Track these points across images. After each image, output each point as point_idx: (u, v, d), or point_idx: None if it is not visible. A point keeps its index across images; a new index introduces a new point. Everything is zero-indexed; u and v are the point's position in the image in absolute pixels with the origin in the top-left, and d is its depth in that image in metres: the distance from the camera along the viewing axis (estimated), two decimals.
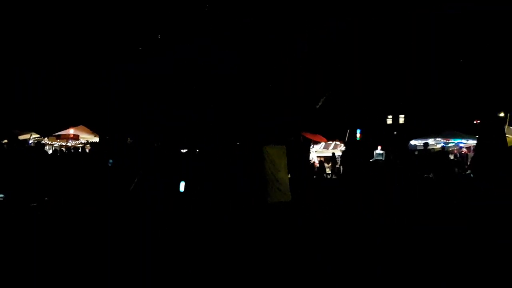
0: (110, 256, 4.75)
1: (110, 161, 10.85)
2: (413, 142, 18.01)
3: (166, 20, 11.40)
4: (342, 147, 19.38)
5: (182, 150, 12.44)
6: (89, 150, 14.66)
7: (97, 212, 7.58)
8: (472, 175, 12.15)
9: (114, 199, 8.42)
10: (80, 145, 16.89)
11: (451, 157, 16.23)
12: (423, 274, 4.04)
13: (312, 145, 18.52)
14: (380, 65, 13.12)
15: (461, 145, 17.15)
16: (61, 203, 8.84)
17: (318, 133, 20.55)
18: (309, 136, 18.65)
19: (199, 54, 11.88)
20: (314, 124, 18.54)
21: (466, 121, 21.10)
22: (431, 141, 16.82)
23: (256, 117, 12.05)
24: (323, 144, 20.45)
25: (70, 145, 16.95)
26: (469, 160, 15.24)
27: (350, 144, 17.84)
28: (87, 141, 16.84)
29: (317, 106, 13.19)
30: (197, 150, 11.91)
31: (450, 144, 17.30)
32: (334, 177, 18.02)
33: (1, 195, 8.90)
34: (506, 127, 15.00)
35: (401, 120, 36.63)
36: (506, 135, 14.37)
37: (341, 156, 16.43)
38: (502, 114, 15.48)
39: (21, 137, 14.05)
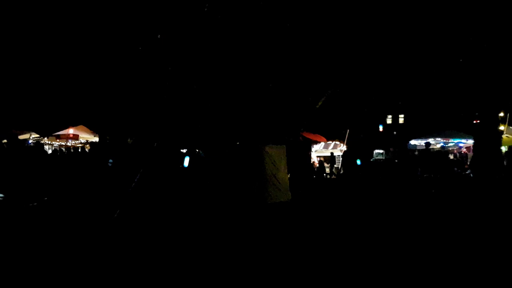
0: (110, 256, 4.74)
1: (110, 161, 10.84)
2: (412, 142, 18.04)
3: (166, 20, 11.38)
4: (342, 147, 19.40)
5: (182, 150, 12.43)
6: (89, 150, 14.65)
7: (97, 212, 7.57)
8: (472, 175, 12.17)
9: (114, 199, 8.41)
10: (80, 145, 16.89)
11: (451, 157, 16.25)
12: (422, 274, 4.03)
13: (312, 145, 18.54)
14: (379, 65, 13.11)
15: (460, 145, 17.17)
16: (60, 203, 8.83)
17: (318, 133, 20.58)
18: (309, 136, 18.66)
19: (198, 53, 11.86)
20: (314, 124, 18.55)
21: (466, 121, 21.12)
22: (430, 141, 16.84)
23: (256, 117, 12.04)
24: (322, 144, 20.47)
25: (69, 145, 16.95)
26: (469, 160, 15.25)
27: (351, 144, 17.85)
28: (87, 141, 16.84)
29: (317, 106, 13.17)
30: (197, 150, 11.90)
31: (449, 144, 17.33)
32: (333, 177, 18.05)
33: (1, 195, 8.89)
34: (506, 127, 15.01)
35: (401, 120, 36.68)
36: (506, 135, 14.39)
37: (342, 156, 16.45)
38: (502, 114, 15.48)
39: (21, 137, 14.05)
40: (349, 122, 21.19)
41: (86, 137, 16.76)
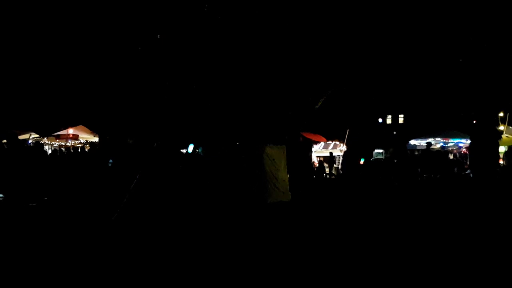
0: (110, 256, 4.74)
1: (110, 161, 10.84)
2: (412, 142, 18.06)
3: (166, 20, 11.37)
4: (341, 147, 19.41)
5: (181, 150, 12.42)
6: (88, 150, 14.64)
7: (97, 212, 7.57)
8: (471, 174, 12.16)
9: (114, 199, 8.41)
10: (80, 145, 16.88)
11: (451, 157, 16.26)
12: (422, 273, 4.03)
13: (312, 145, 18.54)
14: (379, 65, 13.11)
15: (460, 145, 17.18)
16: (60, 203, 8.83)
17: (318, 133, 20.59)
18: (309, 136, 18.67)
19: (198, 53, 11.86)
20: (313, 124, 18.56)
21: (465, 121, 21.12)
22: (430, 141, 16.87)
23: (255, 117, 12.03)
24: (322, 144, 20.50)
25: (69, 145, 16.94)
26: (468, 160, 15.25)
27: (351, 144, 17.86)
28: (87, 141, 16.83)
29: (317, 106, 13.17)
30: (197, 150, 11.89)
31: (449, 144, 17.34)
32: (332, 177, 18.06)
33: (1, 195, 8.89)
34: (506, 127, 15.03)
35: (401, 120, 36.74)
36: (506, 135, 14.39)
37: (342, 156, 16.47)
38: (502, 114, 15.49)
39: (21, 137, 14.04)
40: (349, 122, 21.20)
41: (86, 137, 16.76)
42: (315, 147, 19.66)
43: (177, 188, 8.86)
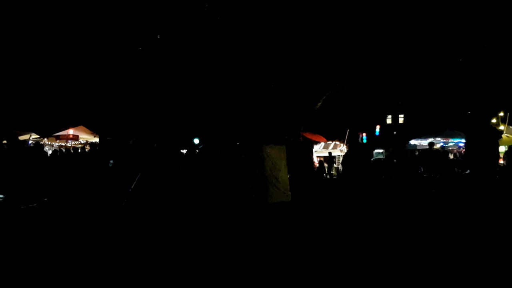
0: (110, 256, 4.74)
1: (111, 161, 10.83)
2: (412, 141, 18.07)
3: (166, 20, 11.37)
4: (341, 147, 19.42)
5: (181, 151, 12.43)
6: (88, 151, 14.64)
7: (97, 213, 7.57)
8: (465, 172, 12.17)
9: (114, 199, 8.41)
10: (80, 145, 16.88)
11: (451, 156, 16.26)
12: (423, 273, 4.03)
13: (313, 146, 18.57)
14: (379, 65, 13.11)
15: (460, 144, 17.18)
16: (60, 203, 8.83)
17: (318, 133, 20.61)
18: (309, 136, 18.69)
19: (199, 53, 11.86)
20: (314, 124, 18.57)
21: (465, 121, 21.12)
22: (430, 140, 16.87)
23: (256, 117, 12.03)
24: (322, 144, 20.52)
25: (69, 145, 16.94)
26: (464, 158, 15.25)
27: (351, 144, 17.88)
28: (87, 141, 16.83)
29: (317, 106, 13.17)
30: (197, 151, 11.89)
31: (449, 144, 17.34)
32: (333, 177, 18.07)
33: (1, 196, 8.88)
34: (506, 126, 15.04)
35: (401, 120, 36.73)
36: (506, 134, 14.39)
37: (343, 157, 16.48)
38: (502, 114, 15.50)
39: (21, 138, 14.03)
40: (349, 122, 21.21)
41: (86, 137, 16.76)
42: (315, 147, 19.67)
43: (177, 188, 8.87)
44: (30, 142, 14.42)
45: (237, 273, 4.11)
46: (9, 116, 15.02)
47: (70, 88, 16.24)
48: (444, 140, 17.24)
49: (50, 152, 14.85)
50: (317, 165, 18.10)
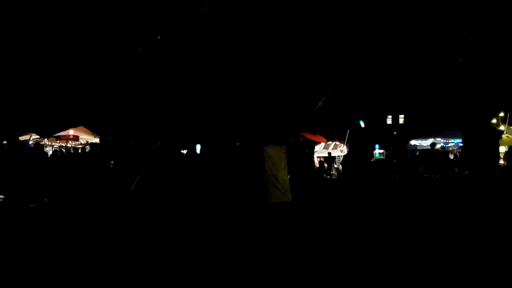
0: (111, 257, 4.74)
1: (112, 162, 10.84)
2: (413, 142, 18.07)
3: (166, 21, 11.39)
4: (342, 147, 19.42)
5: (182, 151, 12.43)
6: (88, 151, 14.65)
7: (98, 213, 7.57)
8: (459, 171, 12.18)
9: (115, 200, 8.42)
10: (80, 145, 16.88)
11: (451, 157, 16.25)
12: (423, 274, 4.03)
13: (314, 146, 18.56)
14: (380, 65, 13.11)
15: (461, 145, 17.17)
16: (61, 204, 8.84)
17: (318, 134, 20.59)
18: (309, 136, 18.68)
19: (199, 54, 11.87)
20: (314, 125, 18.57)
21: (463, 121, 21.09)
22: (430, 141, 16.86)
23: (256, 117, 12.04)
24: (323, 144, 20.51)
25: (70, 146, 16.95)
26: (460, 157, 15.24)
27: (352, 145, 17.88)
28: (87, 142, 16.83)
29: (317, 107, 13.18)
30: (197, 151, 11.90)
31: (450, 144, 17.34)
32: (333, 177, 18.07)
33: (1, 196, 8.89)
34: (506, 126, 15.03)
35: (401, 120, 36.73)
36: (506, 135, 14.39)
37: (343, 157, 16.48)
38: (502, 114, 15.49)
39: (21, 138, 14.04)
40: (349, 123, 21.19)
41: (86, 138, 16.76)
42: (315, 148, 19.67)
43: (178, 189, 8.87)
44: (30, 142, 14.42)
45: (237, 273, 4.12)
46: (10, 117, 15.04)
47: (70, 89, 16.26)
48: (445, 141, 17.24)
49: (50, 152, 14.85)
50: (318, 165, 18.10)
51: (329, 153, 18.83)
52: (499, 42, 11.57)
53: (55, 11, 12.40)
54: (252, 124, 11.99)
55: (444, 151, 14.99)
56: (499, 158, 10.20)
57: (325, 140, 20.65)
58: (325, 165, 18.84)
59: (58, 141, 16.58)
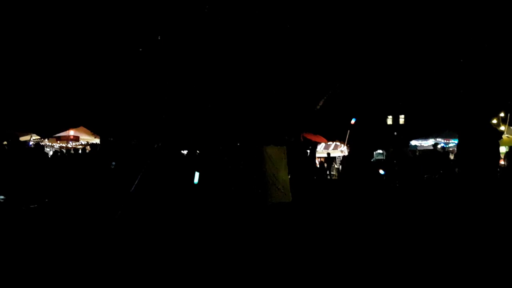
0: (111, 258, 4.75)
1: (113, 163, 10.84)
2: (413, 142, 18.04)
3: (167, 22, 11.39)
4: (342, 147, 19.40)
5: (182, 151, 12.44)
6: (89, 151, 14.66)
7: (98, 214, 7.57)
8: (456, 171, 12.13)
9: (116, 201, 8.41)
10: (80, 146, 16.90)
11: (451, 157, 16.22)
12: (423, 274, 4.03)
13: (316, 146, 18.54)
14: (380, 65, 13.12)
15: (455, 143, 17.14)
16: (61, 204, 8.84)
17: (318, 134, 20.56)
18: (310, 136, 18.67)
19: (200, 54, 11.87)
20: (314, 125, 18.56)
21: (460, 121, 21.03)
22: (431, 141, 16.84)
23: (256, 117, 12.05)
24: (323, 144, 20.49)
25: (70, 146, 16.96)
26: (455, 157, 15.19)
27: (352, 145, 17.85)
28: (87, 142, 16.85)
29: (318, 107, 13.18)
30: (198, 151, 11.90)
31: (450, 144, 17.31)
32: (333, 177, 18.07)
33: (1, 197, 8.89)
34: (506, 127, 15.01)
35: (402, 121, 36.70)
36: (507, 135, 14.37)
37: (342, 157, 16.48)
38: (502, 114, 15.47)
39: (22, 139, 14.06)
40: (350, 123, 21.15)
41: (87, 138, 16.77)
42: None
43: (178, 189, 8.87)
44: (30, 143, 14.44)
45: (237, 273, 4.12)
46: (10, 117, 15.04)
47: (71, 89, 16.26)
48: (445, 141, 17.21)
49: (50, 153, 14.86)
50: (318, 165, 18.08)
51: (328, 154, 18.83)
52: (499, 42, 11.57)
53: (56, 12, 12.42)
54: (252, 124, 11.99)
55: (445, 151, 14.97)
56: (499, 158, 10.17)
57: (325, 140, 20.63)
58: (325, 165, 18.84)
59: (58, 142, 16.60)
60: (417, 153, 16.60)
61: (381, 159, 17.28)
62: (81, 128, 16.43)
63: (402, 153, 13.75)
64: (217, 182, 9.04)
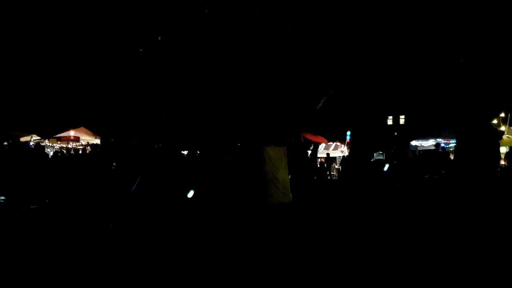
0: (112, 259, 4.75)
1: (114, 164, 10.85)
2: (414, 142, 18.03)
3: (167, 23, 11.40)
4: (342, 148, 19.40)
5: (183, 152, 12.44)
6: (89, 152, 14.67)
7: (98, 214, 7.57)
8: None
9: (116, 201, 8.42)
10: (81, 146, 16.91)
11: (452, 157, 16.20)
12: (423, 275, 4.03)
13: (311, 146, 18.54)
14: (381, 65, 13.12)
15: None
16: (62, 205, 8.84)
17: (319, 134, 20.56)
18: (310, 137, 18.67)
19: (200, 54, 11.88)
20: (315, 125, 18.55)
21: (458, 122, 20.98)
22: (431, 141, 16.82)
23: (257, 118, 12.05)
24: (323, 145, 20.48)
25: (70, 147, 16.97)
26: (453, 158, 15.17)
27: (352, 145, 17.85)
28: (88, 142, 16.86)
29: (318, 107, 13.18)
30: (198, 152, 11.91)
31: (451, 145, 17.30)
32: (334, 178, 18.06)
33: (2, 197, 8.90)
34: (507, 127, 15.01)
35: (402, 121, 36.68)
36: (507, 135, 14.36)
37: (342, 158, 16.49)
38: (503, 115, 15.47)
39: (22, 139, 14.07)
40: (350, 123, 21.16)
41: (87, 139, 16.78)
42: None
43: (179, 189, 8.87)
44: (31, 143, 14.45)
45: (237, 273, 4.12)
46: (10, 118, 15.06)
47: (71, 90, 16.28)
48: (445, 141, 17.20)
49: (51, 153, 14.87)
50: (318, 166, 18.08)
51: (328, 154, 18.83)
52: (500, 43, 11.57)
53: (57, 12, 12.43)
54: (252, 124, 11.99)
55: (445, 151, 14.97)
56: (500, 158, 10.17)
57: (325, 140, 20.62)
58: (325, 165, 18.83)
59: (59, 142, 16.60)
60: (417, 153, 16.59)
61: (380, 159, 17.27)
62: (82, 128, 16.43)
63: (402, 153, 13.75)
64: (217, 183, 9.04)
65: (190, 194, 8.82)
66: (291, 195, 9.48)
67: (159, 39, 11.82)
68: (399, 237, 5.81)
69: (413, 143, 17.99)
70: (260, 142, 9.80)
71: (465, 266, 4.29)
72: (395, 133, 31.69)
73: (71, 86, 15.98)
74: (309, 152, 13.74)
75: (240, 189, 8.78)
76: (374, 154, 17.19)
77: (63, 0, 12.26)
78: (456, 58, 12.63)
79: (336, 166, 19.48)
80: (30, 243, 5.53)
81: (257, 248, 5.17)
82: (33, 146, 13.07)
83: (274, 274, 4.09)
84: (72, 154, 13.75)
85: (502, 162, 11.92)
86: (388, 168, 13.26)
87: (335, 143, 20.43)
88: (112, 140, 14.40)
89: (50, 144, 16.59)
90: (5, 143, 11.36)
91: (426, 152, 15.32)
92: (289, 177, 9.97)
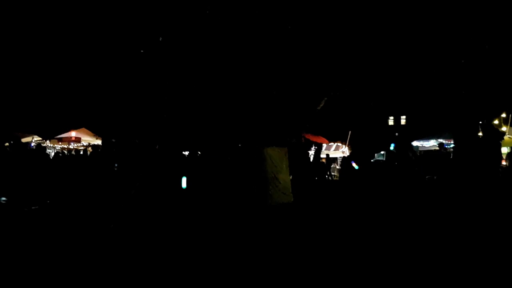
0: (112, 259, 4.75)
1: (116, 165, 10.86)
2: (415, 143, 18.01)
3: (168, 23, 11.41)
4: (343, 148, 19.40)
5: (183, 152, 12.44)
6: (90, 153, 14.68)
7: (99, 215, 7.58)
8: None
9: (117, 202, 8.43)
10: (82, 147, 16.93)
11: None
12: (423, 275, 4.03)
13: (313, 147, 18.54)
14: (381, 66, 13.11)
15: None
16: (63, 206, 8.85)
17: (320, 135, 20.56)
18: (311, 137, 18.67)
19: (201, 55, 11.89)
20: (315, 126, 18.54)
21: (459, 122, 20.97)
22: (432, 142, 16.81)
23: (257, 118, 12.05)
24: (324, 145, 20.48)
25: (72, 147, 16.99)
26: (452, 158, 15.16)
27: (353, 146, 17.86)
28: (89, 143, 16.88)
29: (319, 107, 13.17)
30: (199, 152, 11.91)
31: (451, 145, 17.28)
32: (335, 178, 18.05)
33: (3, 198, 8.91)
34: (508, 128, 15.00)
35: (403, 121, 36.66)
36: (508, 136, 14.35)
37: (342, 158, 16.47)
38: (504, 115, 15.46)
39: (23, 140, 14.09)
40: (351, 124, 21.16)
41: (88, 140, 16.80)
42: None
43: (179, 189, 8.88)
44: (32, 144, 14.47)
45: (238, 274, 4.12)
46: (11, 119, 15.07)
47: (72, 90, 16.28)
48: (447, 141, 17.19)
49: (52, 154, 14.89)
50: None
51: (327, 155, 18.84)
52: (500, 43, 11.56)
53: (57, 13, 12.44)
54: (253, 125, 11.99)
55: (447, 152, 14.95)
56: (501, 159, 10.18)
57: (326, 141, 20.62)
58: (326, 166, 18.83)
59: (60, 143, 16.63)
60: (418, 154, 16.57)
61: (381, 160, 17.26)
62: (83, 129, 16.45)
63: (402, 154, 13.74)
64: (217, 183, 9.04)
65: (183, 182, 8.82)
66: (292, 195, 9.48)
67: (160, 40, 11.83)
68: (399, 237, 5.81)
69: (414, 143, 17.98)
70: (261, 142, 9.81)
71: (465, 266, 4.29)
72: (396, 134, 31.66)
73: (72, 87, 15.99)
74: (312, 152, 13.73)
75: (241, 189, 8.78)
76: (375, 154, 17.19)
77: (65, 0, 12.27)
78: (457, 59, 12.63)
79: (337, 167, 19.47)
80: (31, 243, 5.53)
81: (257, 248, 5.17)
82: (34, 147, 13.10)
83: (274, 274, 4.09)
84: (73, 154, 13.76)
85: (504, 163, 11.92)
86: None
87: (336, 143, 20.43)
88: (114, 140, 14.41)
89: (52, 145, 16.61)
90: (7, 144, 11.37)
91: (428, 152, 15.30)
92: (290, 177, 9.97)
